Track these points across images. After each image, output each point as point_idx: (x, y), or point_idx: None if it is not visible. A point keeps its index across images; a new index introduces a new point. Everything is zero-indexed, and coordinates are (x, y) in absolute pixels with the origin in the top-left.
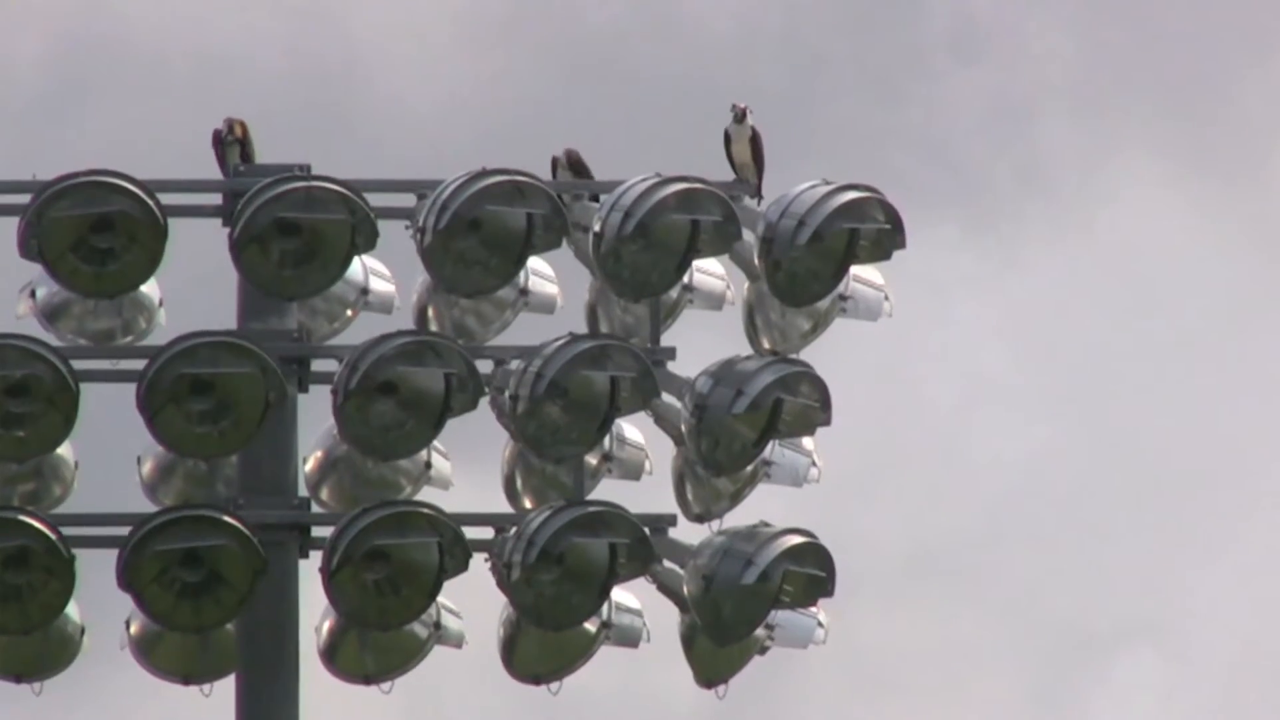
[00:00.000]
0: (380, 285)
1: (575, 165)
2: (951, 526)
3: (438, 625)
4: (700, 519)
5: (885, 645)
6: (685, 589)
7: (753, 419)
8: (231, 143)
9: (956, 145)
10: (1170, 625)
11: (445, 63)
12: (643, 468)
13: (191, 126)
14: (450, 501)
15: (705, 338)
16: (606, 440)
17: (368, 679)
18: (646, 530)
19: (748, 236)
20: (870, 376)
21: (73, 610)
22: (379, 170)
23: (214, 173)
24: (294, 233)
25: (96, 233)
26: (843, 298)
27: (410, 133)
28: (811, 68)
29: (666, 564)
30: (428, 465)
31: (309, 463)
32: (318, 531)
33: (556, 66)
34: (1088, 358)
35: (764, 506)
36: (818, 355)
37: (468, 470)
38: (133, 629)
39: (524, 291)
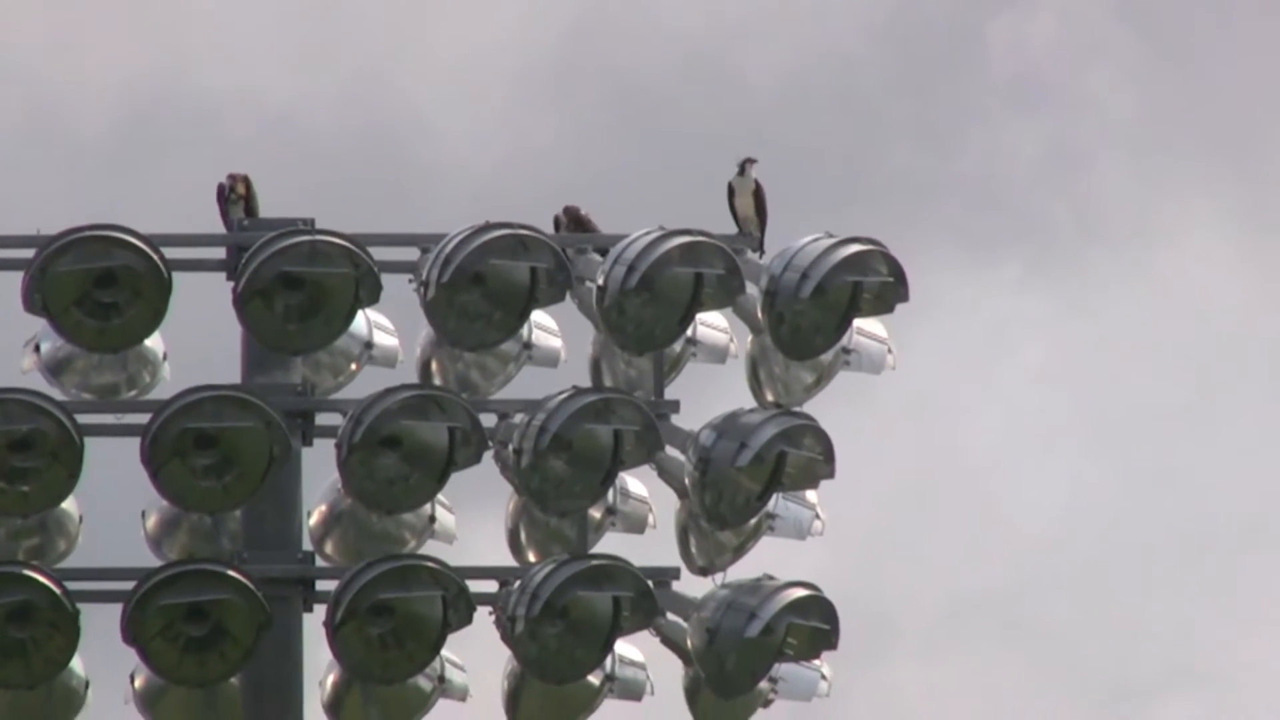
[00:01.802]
0: (384, 339)
1: (577, 221)
2: (994, 574)
3: (442, 679)
4: (704, 572)
5: (924, 695)
6: (689, 642)
7: (756, 472)
8: (235, 200)
9: (1014, 191)
10: (1211, 674)
11: (499, 123)
12: (646, 521)
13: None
14: (454, 555)
15: (709, 391)
16: (610, 493)
17: None
18: (650, 583)
19: (751, 290)
20: (923, 419)
21: (77, 664)
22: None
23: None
24: (298, 287)
25: (100, 287)
26: (846, 350)
27: (466, 193)
28: (867, 117)
29: (670, 617)
30: (432, 519)
31: (313, 517)
32: (322, 585)
33: (610, 125)
34: (1140, 403)
35: (804, 556)
36: (866, 400)
37: (472, 524)
38: (137, 683)
39: (527, 345)
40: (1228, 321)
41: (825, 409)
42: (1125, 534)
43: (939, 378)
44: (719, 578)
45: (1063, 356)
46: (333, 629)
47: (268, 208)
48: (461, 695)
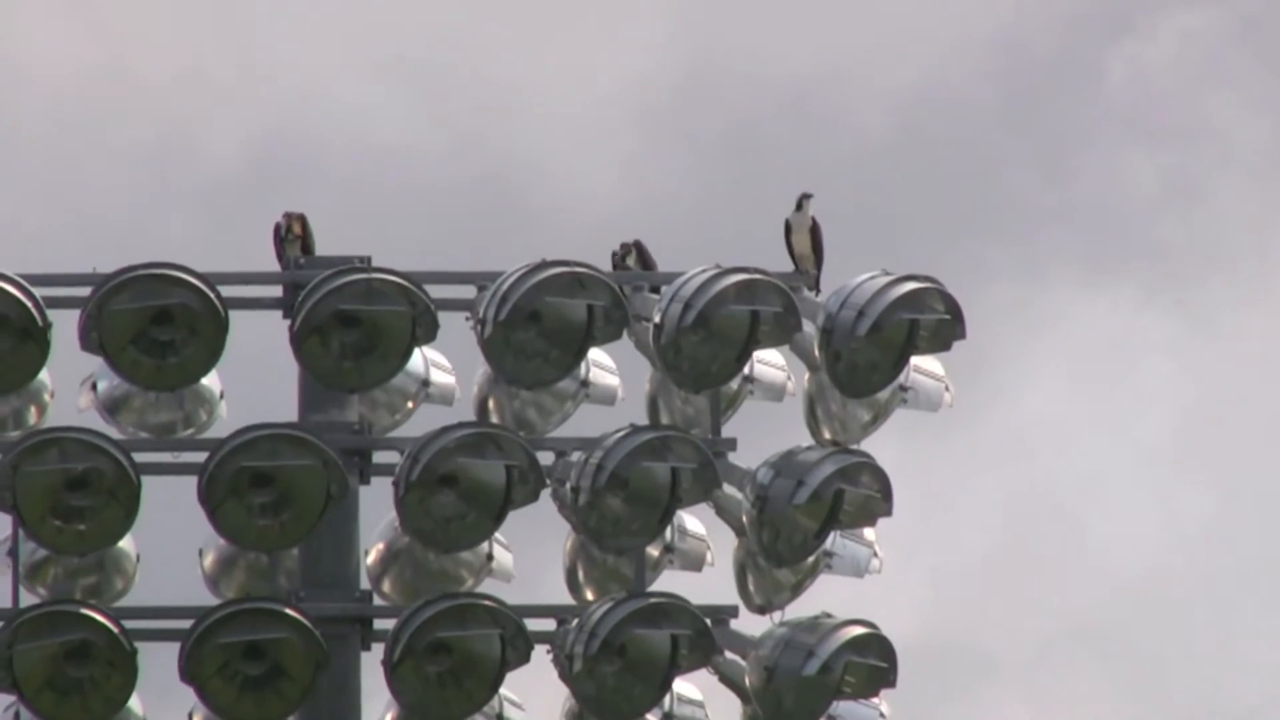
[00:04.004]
0: (441, 377)
1: (637, 256)
2: (1091, 605)
3: (500, 717)
4: (762, 610)
5: None
6: (747, 680)
7: (814, 510)
8: (292, 239)
9: (1133, 218)
10: None
11: (616, 167)
12: (704, 559)
13: (365, 222)
14: (512, 593)
15: (766, 428)
16: (668, 531)
17: None
18: (708, 621)
19: (808, 327)
20: (1032, 445)
21: (135, 704)
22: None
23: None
24: (354, 325)
25: (157, 325)
26: (903, 388)
27: (583, 236)
28: (981, 149)
29: (728, 655)
30: (489, 557)
31: (370, 555)
32: (380, 624)
33: (725, 166)
34: (1248, 427)
35: (904, 591)
36: (974, 426)
37: (529, 562)
38: None
39: (585, 383)
40: None
41: (933, 437)
42: (1222, 561)
43: (1050, 403)
44: (777, 616)
45: (1178, 380)
46: (390, 668)
47: (383, 251)
48: None
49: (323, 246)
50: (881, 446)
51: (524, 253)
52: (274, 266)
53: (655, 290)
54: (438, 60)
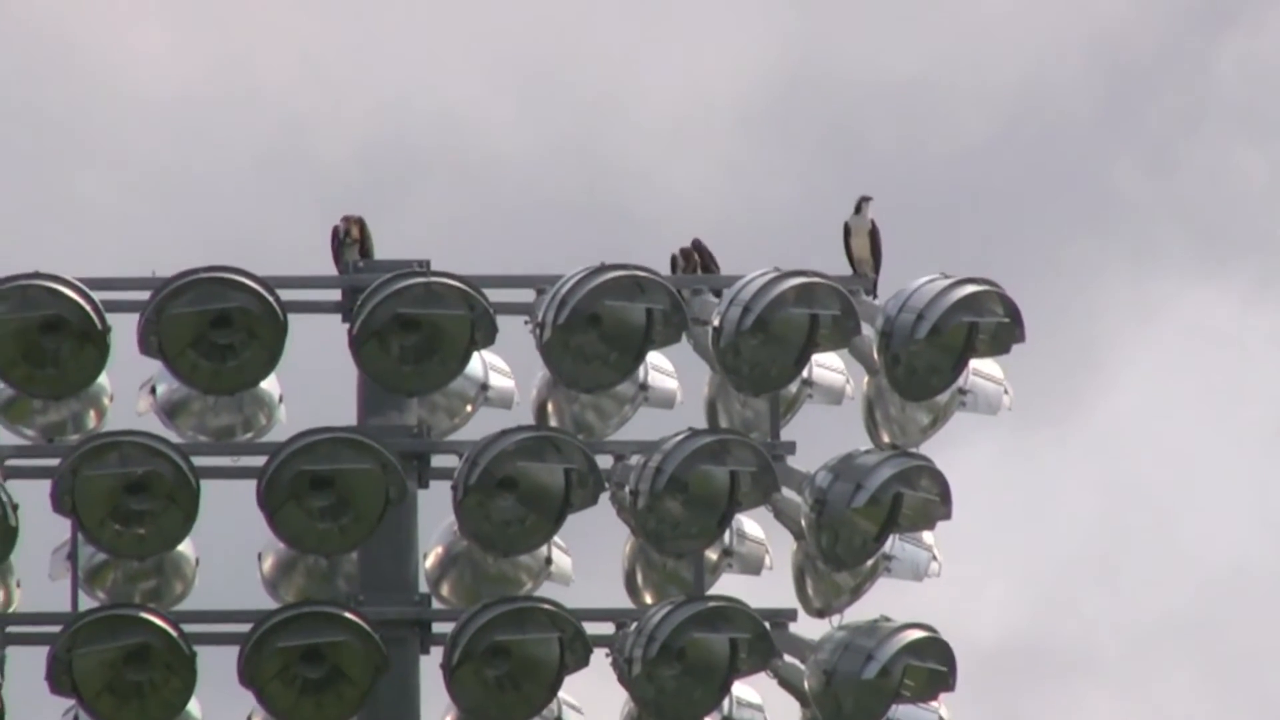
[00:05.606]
0: (500, 380)
1: (693, 259)
2: (1183, 601)
3: None
4: (821, 614)
5: None
6: (806, 684)
7: (873, 513)
8: (350, 244)
9: (1241, 211)
10: None
11: (717, 172)
12: (763, 562)
13: (467, 225)
14: (571, 597)
15: (825, 432)
16: (726, 535)
17: None
18: (767, 625)
19: (867, 330)
20: (1133, 435)
21: (194, 707)
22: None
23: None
24: (414, 328)
25: (216, 329)
26: (962, 391)
27: (680, 234)
28: (1084, 147)
29: (787, 659)
30: (548, 561)
31: (429, 558)
32: (438, 627)
33: (825, 169)
34: None
35: (990, 588)
36: (1082, 414)
37: (588, 566)
38: None
39: (643, 386)
40: None
41: (1041, 429)
42: None
43: (1157, 397)
44: (836, 619)
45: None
46: (449, 671)
47: (487, 261)
48: None
49: (423, 251)
50: (988, 440)
51: (625, 258)
52: (332, 270)
53: (715, 293)
54: (542, 64)
